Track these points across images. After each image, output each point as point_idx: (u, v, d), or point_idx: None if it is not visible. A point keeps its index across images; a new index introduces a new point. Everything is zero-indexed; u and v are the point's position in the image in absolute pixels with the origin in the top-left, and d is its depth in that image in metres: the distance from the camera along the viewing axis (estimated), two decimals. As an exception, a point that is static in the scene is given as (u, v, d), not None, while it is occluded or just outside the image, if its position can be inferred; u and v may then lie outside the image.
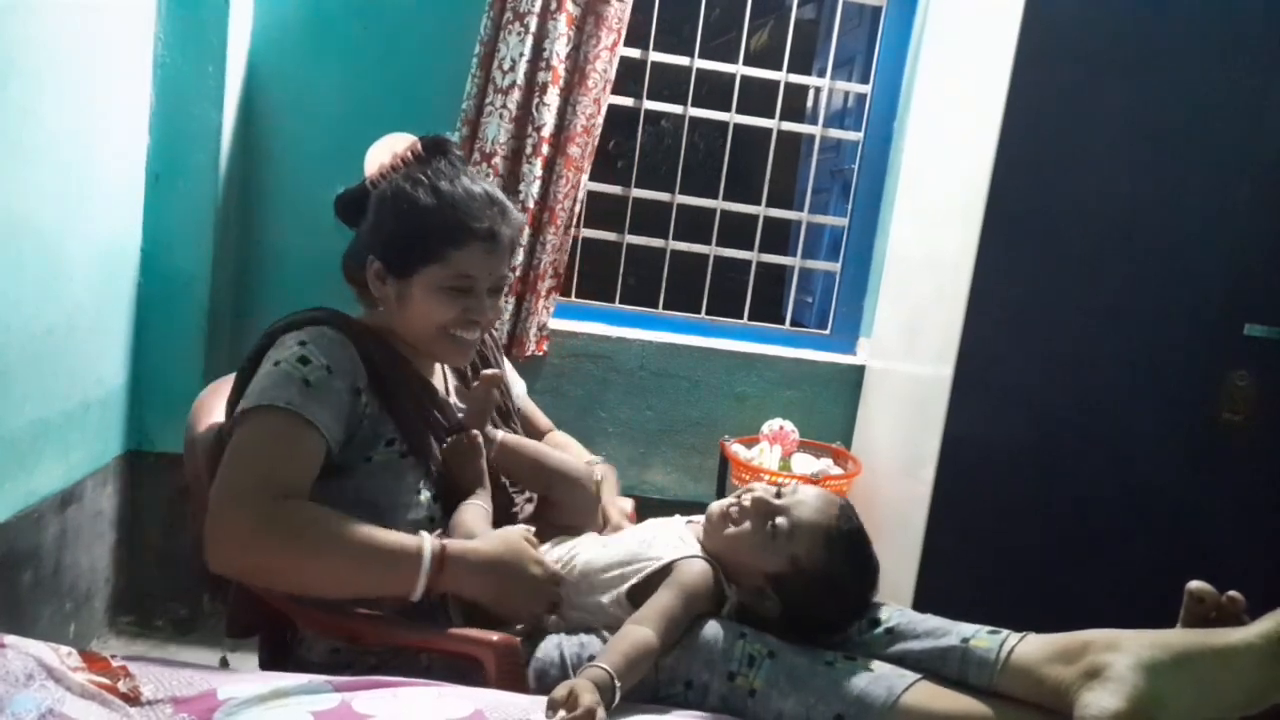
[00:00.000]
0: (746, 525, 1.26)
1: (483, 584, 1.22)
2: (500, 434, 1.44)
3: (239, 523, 1.15)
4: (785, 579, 1.23)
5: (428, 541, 1.19)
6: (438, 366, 1.47)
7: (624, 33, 2.39)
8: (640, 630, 1.13)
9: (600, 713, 1.01)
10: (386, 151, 1.37)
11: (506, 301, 2.41)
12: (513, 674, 1.18)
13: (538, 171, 2.36)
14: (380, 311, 1.37)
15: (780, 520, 1.24)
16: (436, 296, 1.30)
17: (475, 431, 1.38)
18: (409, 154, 1.35)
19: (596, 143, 2.44)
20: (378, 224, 1.33)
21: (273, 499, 1.15)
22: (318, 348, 1.25)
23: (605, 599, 1.25)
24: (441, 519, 1.32)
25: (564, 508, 1.45)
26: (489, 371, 1.42)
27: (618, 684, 1.07)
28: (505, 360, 1.64)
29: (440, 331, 1.33)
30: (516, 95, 2.31)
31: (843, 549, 1.24)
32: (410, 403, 1.33)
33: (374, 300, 1.36)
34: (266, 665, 1.37)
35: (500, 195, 1.35)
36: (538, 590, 1.24)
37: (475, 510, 1.31)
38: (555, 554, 1.35)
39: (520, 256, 2.40)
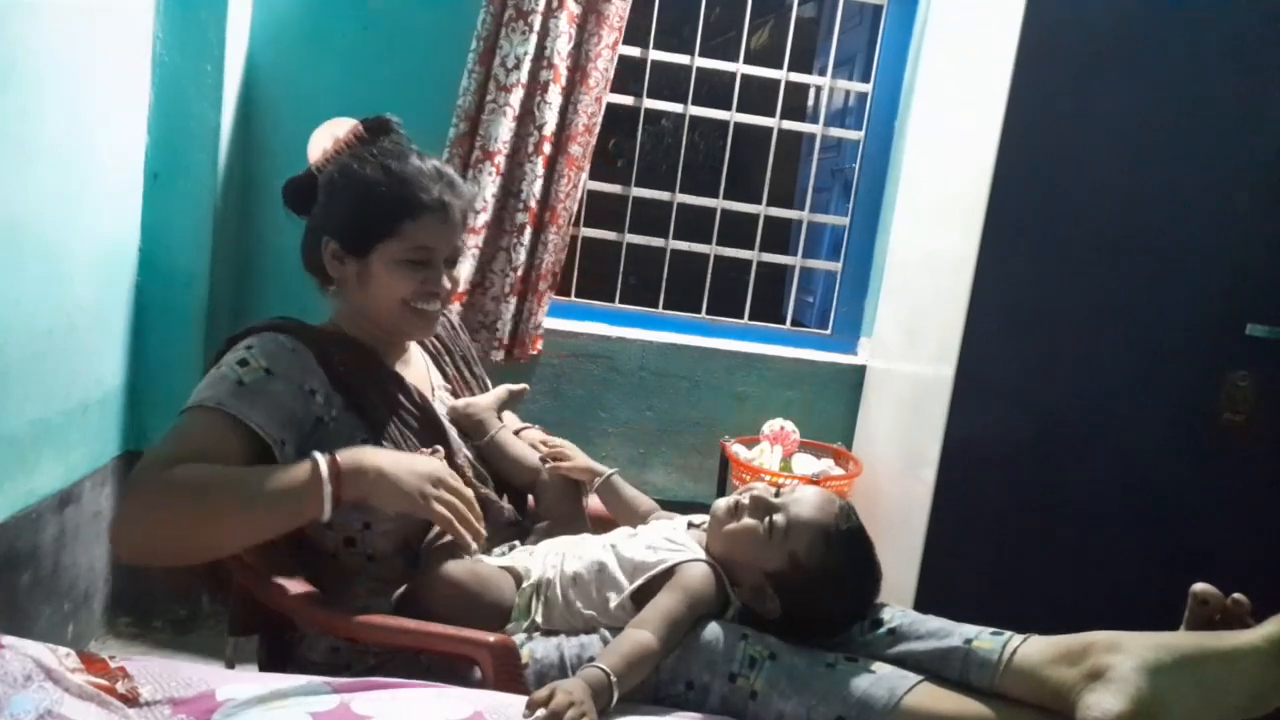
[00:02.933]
0: (745, 521, 1.26)
1: (384, 477, 1.17)
2: (498, 429, 1.47)
3: (130, 503, 1.12)
4: (785, 577, 1.23)
5: (320, 457, 1.16)
6: (416, 361, 1.48)
7: (623, 30, 2.39)
8: (641, 633, 1.13)
9: (575, 711, 1.00)
10: (328, 136, 1.38)
11: (507, 302, 2.40)
12: (510, 675, 1.17)
13: (539, 170, 2.35)
14: (342, 299, 1.38)
15: (778, 517, 1.25)
16: (395, 270, 1.32)
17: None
18: (351, 136, 1.36)
19: (594, 141, 2.44)
20: (329, 205, 1.34)
21: (161, 470, 1.12)
22: (260, 351, 1.25)
23: (610, 600, 1.25)
24: None
25: (541, 505, 1.49)
26: (518, 387, 1.50)
27: (615, 685, 1.07)
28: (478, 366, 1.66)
29: (403, 306, 1.34)
30: (520, 94, 2.30)
31: (842, 546, 1.24)
32: (380, 400, 1.33)
33: (334, 286, 1.37)
34: (266, 664, 1.36)
35: (449, 170, 1.36)
36: (439, 472, 1.21)
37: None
38: (554, 555, 1.34)
39: (521, 256, 2.39)
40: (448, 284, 1.37)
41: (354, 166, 1.32)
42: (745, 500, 1.28)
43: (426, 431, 1.37)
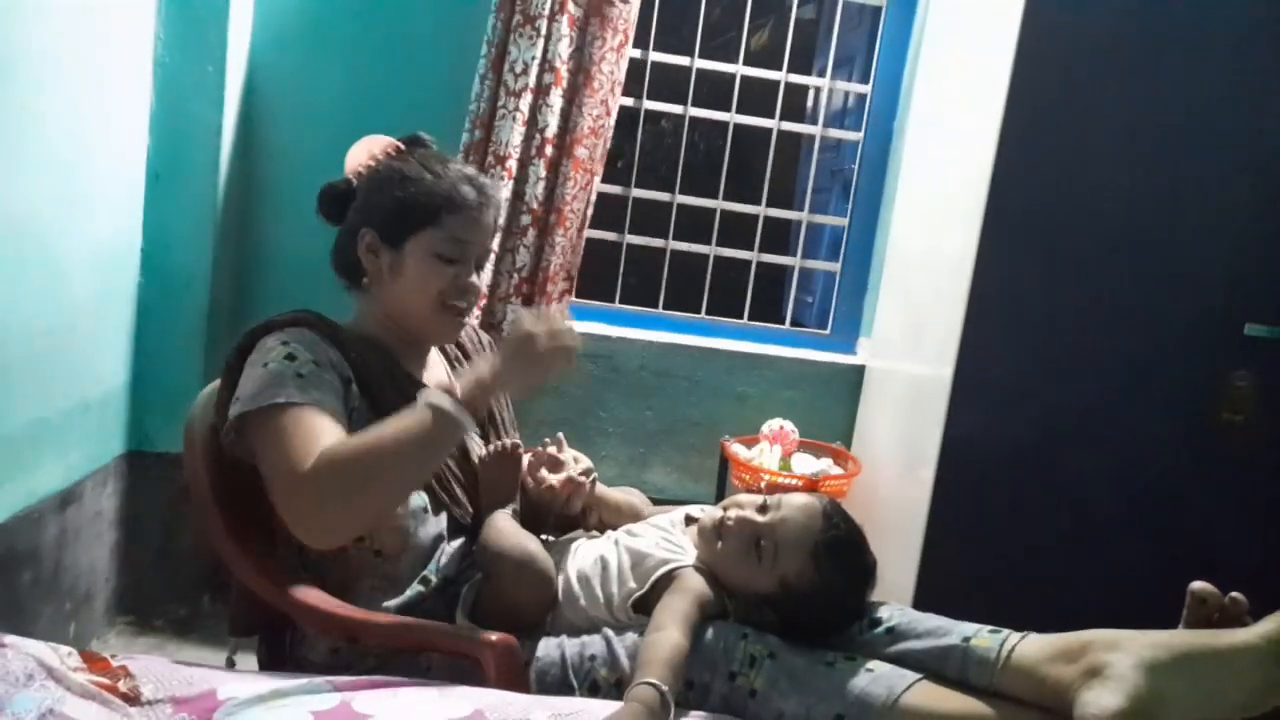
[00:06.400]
0: (733, 547, 1.27)
1: (498, 373, 1.24)
2: (594, 487, 1.47)
3: (305, 502, 1.16)
4: (777, 598, 1.24)
5: (440, 399, 1.19)
6: (434, 367, 1.48)
7: (630, 34, 2.39)
8: (669, 635, 1.13)
9: None
10: (364, 152, 1.41)
11: (511, 303, 2.42)
12: (512, 674, 1.17)
13: (542, 173, 2.36)
14: (370, 299, 1.39)
15: (764, 544, 1.25)
16: (430, 264, 1.34)
17: (515, 442, 1.42)
18: (390, 149, 1.40)
19: (607, 145, 2.45)
20: (370, 199, 1.37)
21: (309, 462, 1.16)
22: (300, 344, 1.28)
23: (615, 600, 1.27)
24: (431, 508, 1.33)
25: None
26: (504, 444, 1.43)
27: (670, 696, 1.06)
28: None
29: (436, 301, 1.36)
30: (529, 98, 2.32)
31: (831, 562, 1.24)
32: (398, 399, 1.33)
33: (363, 289, 1.39)
34: (266, 665, 1.37)
35: (482, 176, 1.41)
36: (549, 348, 1.24)
37: (506, 517, 1.34)
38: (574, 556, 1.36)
39: (527, 258, 2.40)
40: (477, 283, 1.39)
41: (396, 164, 1.37)
42: (731, 522, 1.28)
43: None
